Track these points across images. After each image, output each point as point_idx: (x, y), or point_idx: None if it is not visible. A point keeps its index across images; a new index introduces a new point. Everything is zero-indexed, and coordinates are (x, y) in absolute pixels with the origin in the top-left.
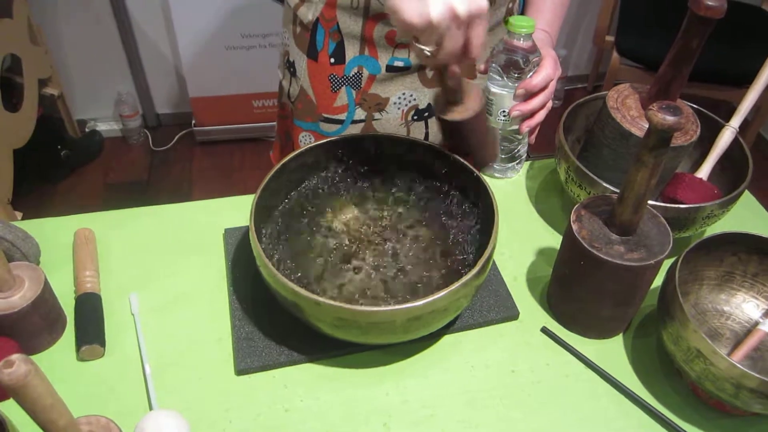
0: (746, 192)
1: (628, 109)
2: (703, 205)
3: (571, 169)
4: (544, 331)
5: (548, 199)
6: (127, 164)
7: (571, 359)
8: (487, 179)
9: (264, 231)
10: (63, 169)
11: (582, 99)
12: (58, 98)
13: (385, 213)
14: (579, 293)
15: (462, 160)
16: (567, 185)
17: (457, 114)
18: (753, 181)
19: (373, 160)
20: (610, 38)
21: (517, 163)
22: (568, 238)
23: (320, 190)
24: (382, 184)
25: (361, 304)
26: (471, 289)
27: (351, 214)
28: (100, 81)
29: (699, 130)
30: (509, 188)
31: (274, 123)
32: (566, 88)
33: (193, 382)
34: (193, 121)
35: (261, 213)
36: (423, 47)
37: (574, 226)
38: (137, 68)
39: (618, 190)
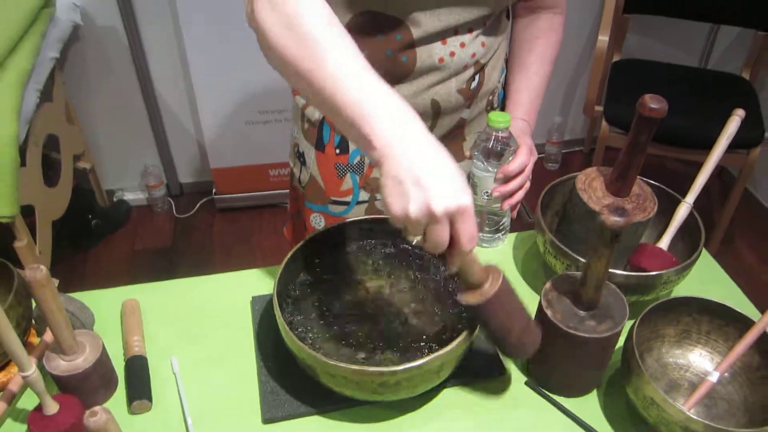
0: (706, 255)
1: (594, 190)
2: (660, 272)
3: (548, 242)
4: (528, 384)
5: (530, 265)
6: (153, 231)
7: (552, 410)
8: (477, 250)
9: (285, 300)
10: (93, 237)
11: (556, 180)
12: (90, 171)
13: (390, 285)
14: (558, 365)
15: None
16: (545, 255)
17: (471, 297)
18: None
19: (376, 239)
20: (599, 108)
21: (502, 234)
22: (544, 320)
23: (334, 266)
24: (386, 259)
25: (370, 365)
26: (459, 351)
27: (361, 286)
28: (128, 154)
29: (656, 207)
30: (497, 256)
31: (289, 191)
32: (563, 151)
33: (227, 431)
34: (214, 190)
35: (283, 286)
36: (410, 237)
37: (548, 312)
38: (162, 142)
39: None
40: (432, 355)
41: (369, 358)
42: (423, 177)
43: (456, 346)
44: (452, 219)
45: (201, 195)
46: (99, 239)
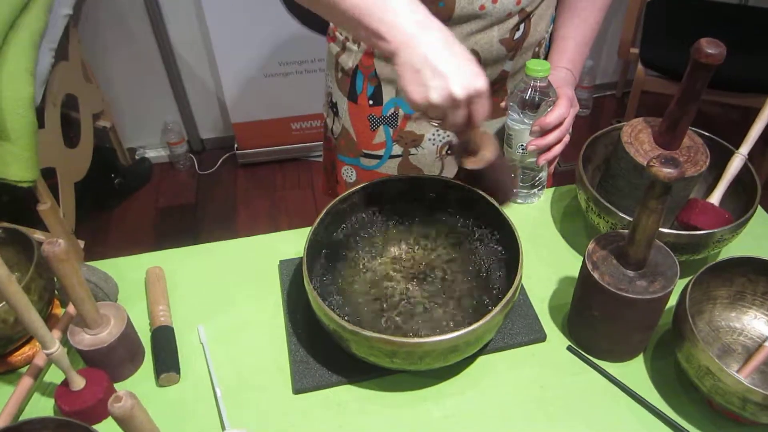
0: (761, 211)
1: (641, 143)
2: (713, 231)
3: (590, 199)
4: (570, 349)
5: (571, 223)
6: (176, 188)
7: (595, 376)
8: (512, 206)
9: (315, 264)
10: (117, 196)
11: (600, 132)
12: (110, 130)
13: (424, 247)
14: (607, 329)
15: (487, 196)
16: (587, 213)
17: (472, 163)
18: None
19: (409, 199)
20: (634, 50)
21: (538, 190)
22: (590, 284)
23: (364, 227)
24: (419, 220)
25: (403, 335)
26: (499, 319)
27: (392, 248)
28: (148, 111)
29: (708, 160)
30: (534, 213)
31: (312, 144)
32: (595, 96)
33: (257, 402)
34: (236, 145)
35: (312, 250)
36: (430, 120)
37: (595, 275)
38: (182, 98)
39: (632, 218)
40: (465, 329)
41: (403, 327)
42: (440, 65)
43: (491, 318)
44: (470, 101)
45: (223, 150)
46: (122, 198)
